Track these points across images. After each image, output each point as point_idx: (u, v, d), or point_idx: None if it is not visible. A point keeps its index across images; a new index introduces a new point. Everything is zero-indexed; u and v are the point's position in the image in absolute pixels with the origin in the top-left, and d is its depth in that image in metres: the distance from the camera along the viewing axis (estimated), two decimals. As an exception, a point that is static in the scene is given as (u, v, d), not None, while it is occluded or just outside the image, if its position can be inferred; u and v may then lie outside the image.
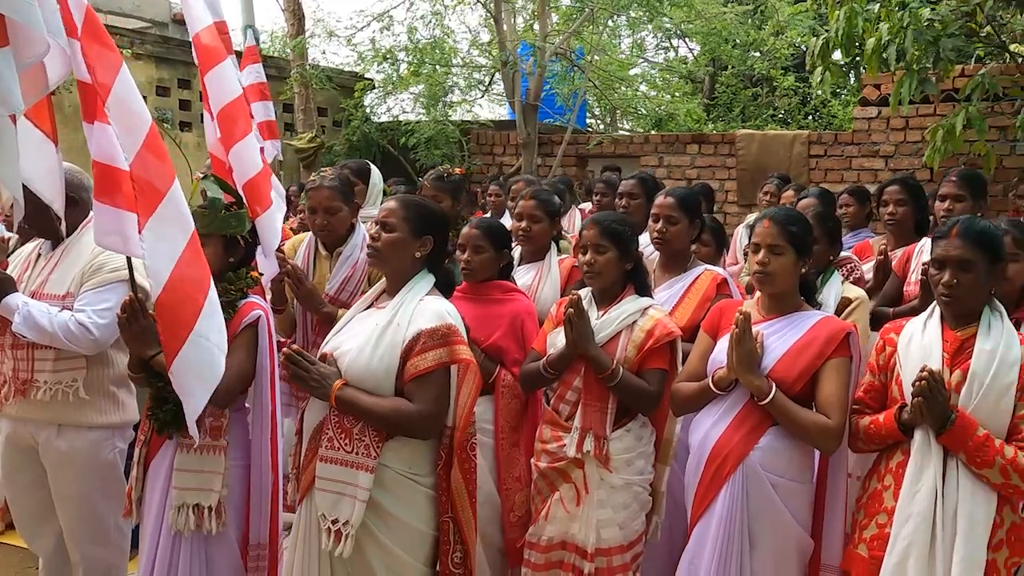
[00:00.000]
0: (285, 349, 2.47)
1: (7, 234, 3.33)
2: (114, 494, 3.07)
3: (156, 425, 2.75)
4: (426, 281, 2.59)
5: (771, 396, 2.61)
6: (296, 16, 9.09)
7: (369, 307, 2.67)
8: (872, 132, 7.43)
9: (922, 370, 2.38)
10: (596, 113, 14.22)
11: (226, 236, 2.82)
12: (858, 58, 6.00)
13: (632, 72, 12.64)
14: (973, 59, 6.85)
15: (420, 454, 2.50)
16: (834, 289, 3.44)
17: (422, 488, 2.50)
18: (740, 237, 5.77)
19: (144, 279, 2.54)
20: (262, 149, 3.45)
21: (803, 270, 2.79)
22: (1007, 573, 2.41)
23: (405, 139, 9.08)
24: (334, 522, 2.41)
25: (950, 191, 3.85)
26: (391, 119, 9.98)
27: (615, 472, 2.92)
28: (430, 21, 9.38)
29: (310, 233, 3.57)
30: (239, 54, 4.26)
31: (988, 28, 5.77)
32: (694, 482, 2.79)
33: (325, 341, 2.67)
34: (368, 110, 9.70)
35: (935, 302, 2.60)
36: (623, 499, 2.94)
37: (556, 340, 3.01)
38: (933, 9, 5.45)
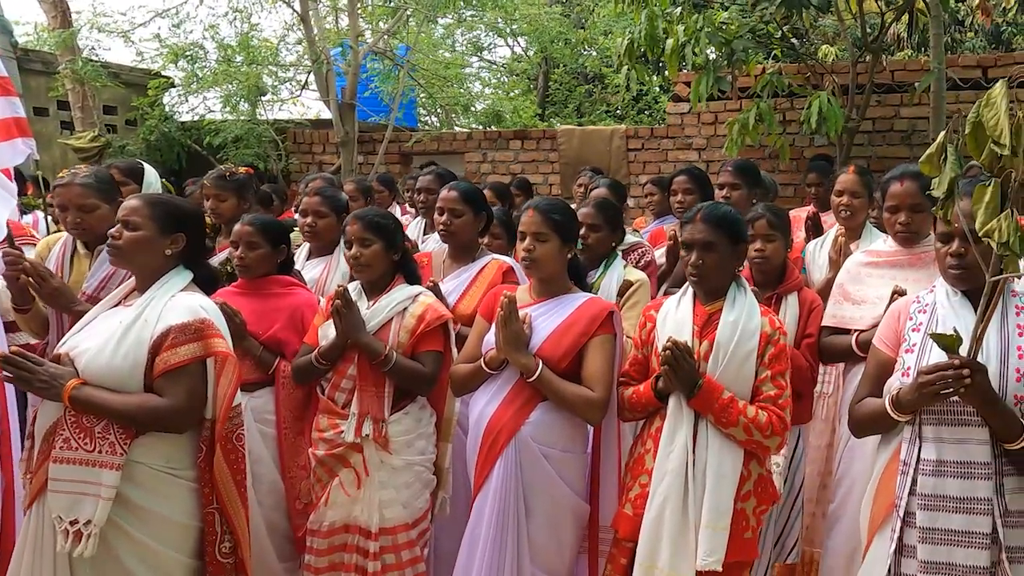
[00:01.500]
0: (2, 352, 2.35)
1: None
2: None
3: None
4: (181, 278, 2.55)
5: (537, 373, 2.74)
6: (59, 8, 8.57)
7: (116, 306, 2.60)
8: (685, 127, 7.81)
9: (668, 340, 2.53)
10: (429, 111, 14.25)
11: None
12: (661, 58, 6.29)
13: (467, 71, 12.78)
14: (771, 58, 7.32)
15: (178, 448, 2.45)
16: (616, 272, 3.60)
17: (183, 481, 2.45)
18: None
19: None
20: None
21: (569, 255, 2.92)
22: (756, 520, 2.63)
23: (211, 139, 8.77)
24: (72, 523, 2.30)
25: (726, 180, 4.10)
26: (196, 118, 9.60)
27: (395, 454, 2.99)
28: (234, 19, 9.11)
29: (65, 233, 3.38)
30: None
31: (782, 31, 6.19)
32: (472, 457, 2.90)
33: (62, 341, 2.57)
34: (167, 108, 9.30)
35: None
36: (405, 479, 3.01)
37: (328, 332, 3.06)
38: (727, 9, 5.80)
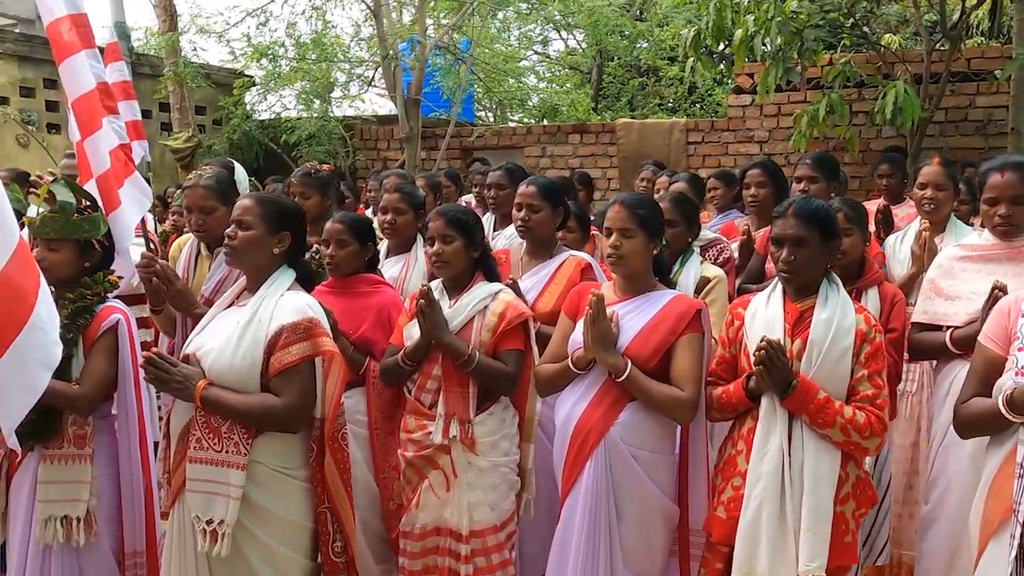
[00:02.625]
0: (144, 353, 2.44)
1: None
2: None
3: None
4: (286, 276, 2.60)
5: (626, 372, 2.71)
6: (168, 12, 8.79)
7: (230, 306, 2.66)
8: (747, 119, 7.71)
9: (761, 340, 2.49)
10: (485, 106, 14.26)
11: (80, 240, 2.74)
12: (728, 48, 6.21)
13: (521, 64, 12.74)
14: (839, 48, 7.18)
15: (292, 448, 2.51)
16: (693, 269, 3.57)
17: (296, 481, 2.50)
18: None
19: None
20: (129, 148, 3.37)
21: (655, 251, 2.89)
22: (855, 523, 2.57)
23: (287, 136, 8.90)
24: (208, 522, 2.40)
25: (804, 173, 4.03)
26: (272, 116, 9.77)
27: (481, 455, 2.98)
28: (310, 16, 9.22)
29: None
30: (102, 50, 4.13)
31: (852, 19, 6.06)
32: (561, 459, 2.87)
33: (187, 342, 2.65)
34: (248, 108, 9.46)
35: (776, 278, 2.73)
36: (492, 480, 3.00)
37: (412, 332, 3.05)
38: (799, 1, 5.68)
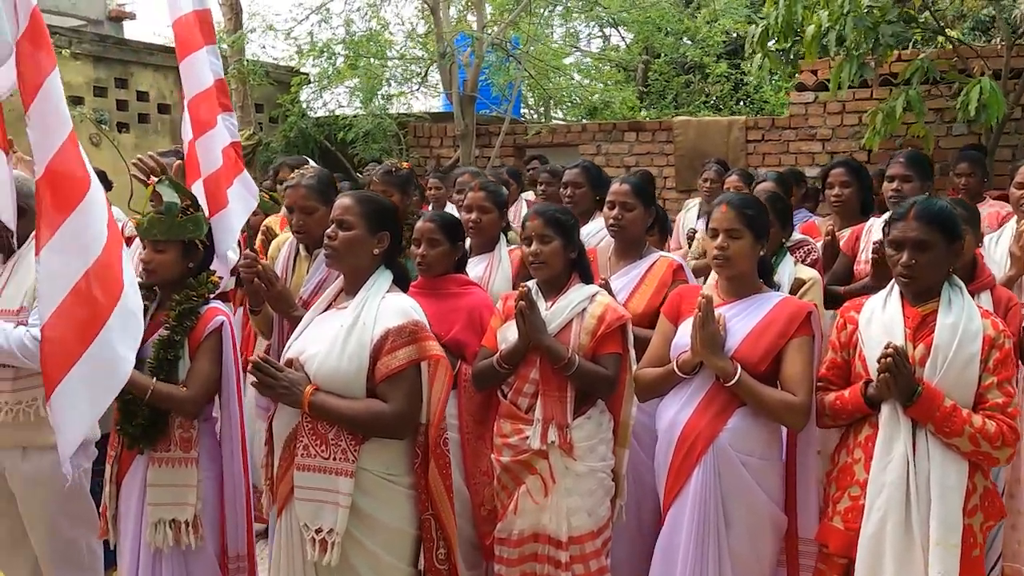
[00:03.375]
0: (252, 357, 2.41)
1: None
2: (82, 516, 2.99)
3: (126, 440, 2.68)
4: (385, 278, 2.56)
5: (737, 377, 2.65)
6: (234, 10, 8.83)
7: (327, 308, 2.62)
8: (809, 116, 7.57)
9: (887, 346, 2.42)
10: (530, 103, 14.20)
11: (184, 241, 2.73)
12: (796, 44, 6.09)
13: (565, 61, 12.66)
14: (911, 44, 7.02)
15: (397, 454, 2.47)
16: (787, 271, 3.49)
17: (401, 488, 2.47)
18: (682, 223, 5.82)
19: None
20: (240, 145, 3.37)
21: (761, 253, 2.84)
22: (983, 536, 2.49)
23: (343, 134, 8.91)
24: (318, 531, 2.36)
25: (898, 172, 3.92)
26: (327, 114, 9.78)
27: (579, 460, 2.92)
28: (366, 13, 9.21)
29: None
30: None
31: (926, 14, 5.91)
32: (665, 466, 2.82)
33: (287, 346, 2.61)
34: (304, 105, 9.48)
35: (893, 280, 2.64)
36: (589, 486, 2.94)
37: (507, 335, 3.00)
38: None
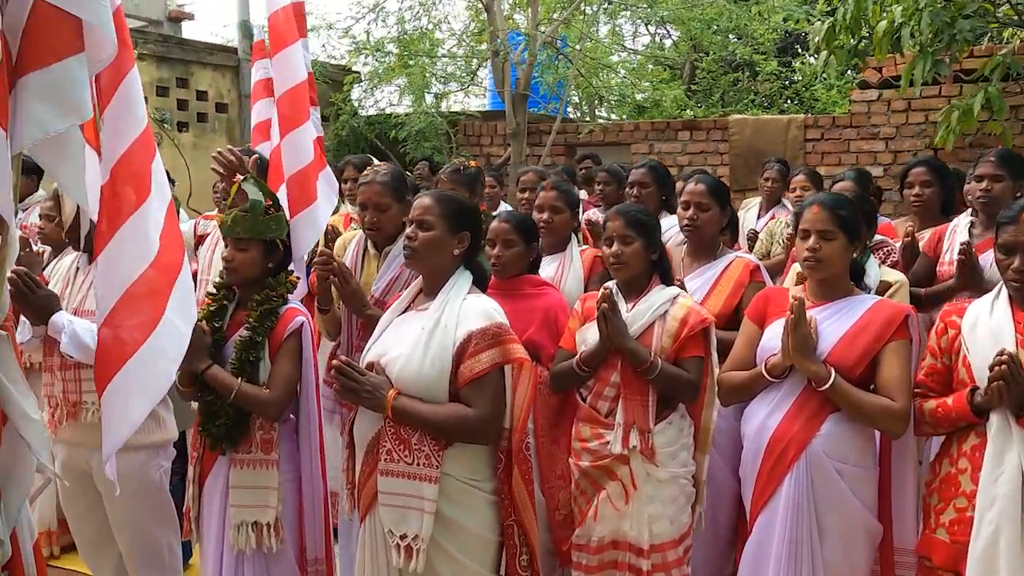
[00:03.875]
0: (334, 360, 2.38)
1: (41, 247, 3.17)
2: (164, 515, 2.99)
3: (208, 441, 2.66)
4: (465, 278, 2.51)
5: (831, 381, 2.58)
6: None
7: (406, 310, 2.58)
8: (872, 115, 7.39)
9: (1000, 353, 2.32)
10: (575, 101, 14.10)
11: (265, 240, 2.70)
12: (863, 41, 5.91)
13: (612, 59, 12.54)
14: (987, 39, 6.79)
15: (480, 459, 2.42)
16: (872, 272, 3.39)
17: (484, 494, 2.42)
18: (742, 223, 5.71)
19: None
20: (322, 141, 3.33)
21: (854, 255, 2.76)
22: None
23: (395, 132, 8.89)
24: (403, 537, 2.32)
25: (988, 171, 3.77)
26: (378, 112, 9.78)
27: (661, 466, 2.86)
28: (417, 12, 9.19)
29: (361, 230, 3.40)
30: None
31: (1004, 7, 5.71)
32: (752, 472, 2.76)
33: (366, 349, 2.57)
34: (356, 104, 9.49)
35: (1000, 283, 2.54)
36: (671, 493, 2.88)
37: (587, 336, 2.94)
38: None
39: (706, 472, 3.03)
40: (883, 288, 3.33)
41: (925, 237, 3.92)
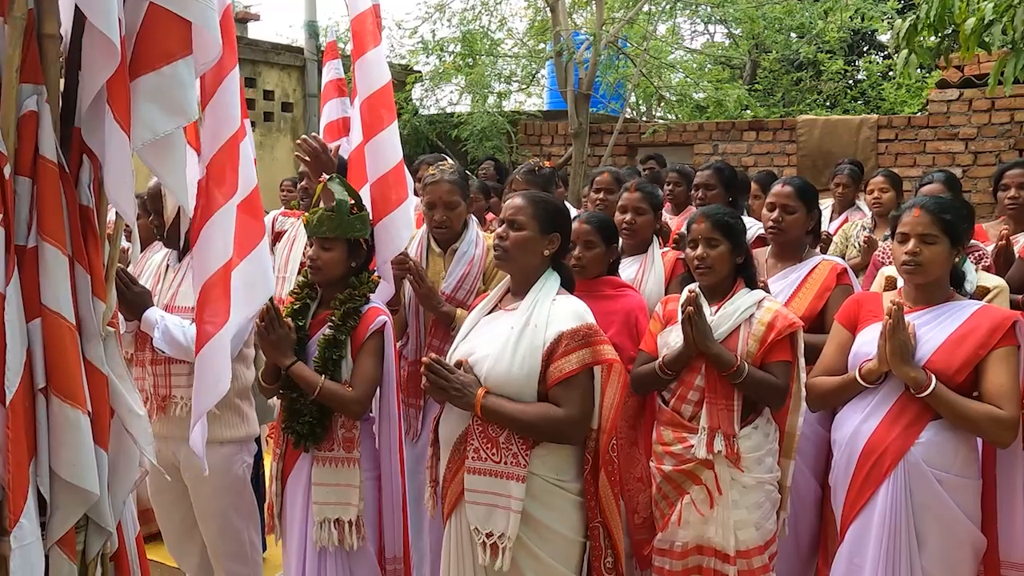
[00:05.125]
0: (425, 358, 2.38)
1: (127, 244, 3.23)
2: (247, 510, 3.03)
3: (292, 438, 2.66)
4: (554, 279, 2.50)
5: (932, 388, 2.50)
6: None
7: (493, 309, 2.57)
8: (951, 115, 7.18)
9: None
10: (632, 101, 13.99)
11: (349, 240, 2.71)
12: (946, 39, 5.72)
13: (671, 59, 12.41)
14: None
15: (566, 460, 2.40)
16: (971, 277, 3.25)
17: (570, 495, 2.40)
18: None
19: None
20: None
21: (956, 260, 2.68)
22: None
23: (456, 131, 8.91)
24: (488, 535, 2.31)
25: None
26: (438, 111, 9.81)
27: (746, 471, 2.80)
28: (479, 12, 9.19)
29: (422, 228, 3.41)
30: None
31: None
32: (845, 479, 2.69)
33: (453, 347, 2.58)
34: (417, 103, 9.54)
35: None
36: (756, 498, 2.82)
37: (669, 339, 2.89)
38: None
39: (791, 478, 2.96)
40: (981, 293, 3.20)
41: (1021, 242, 3.80)
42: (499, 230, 2.49)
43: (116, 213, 1.91)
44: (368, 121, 3.01)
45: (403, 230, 2.97)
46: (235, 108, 2.17)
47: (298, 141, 3.18)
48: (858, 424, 2.64)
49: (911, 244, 2.61)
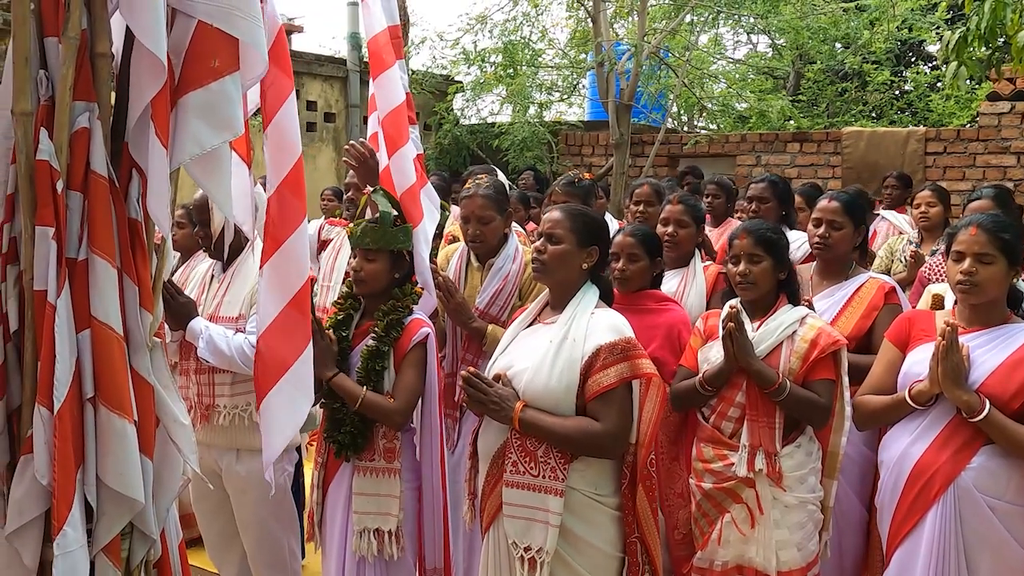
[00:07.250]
0: (462, 372, 2.38)
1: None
2: (287, 519, 3.06)
3: (334, 448, 2.67)
4: (592, 292, 2.49)
5: (985, 412, 2.43)
6: (402, 22, 9.01)
7: (532, 323, 2.56)
8: (1003, 128, 7.03)
9: None
10: (674, 112, 13.90)
11: (392, 251, 2.72)
12: (997, 52, 5.61)
13: (712, 69, 12.31)
14: None
15: (604, 474, 2.39)
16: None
17: (608, 510, 2.38)
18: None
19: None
20: (423, 158, 3.37)
21: (1014, 280, 2.61)
22: None
23: (498, 141, 8.92)
24: (527, 549, 2.31)
25: None
26: (479, 121, 9.84)
27: (788, 491, 2.75)
28: (521, 22, 9.21)
29: (463, 243, 3.41)
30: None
31: None
32: (891, 502, 2.63)
33: (492, 360, 2.58)
34: (459, 113, 9.58)
35: None
36: (798, 518, 2.77)
37: (709, 355, 2.86)
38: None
39: (833, 498, 2.90)
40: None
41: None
42: (537, 244, 2.50)
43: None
44: (389, 137, 3.06)
45: (419, 247, 2.99)
46: (297, 133, 2.20)
47: (346, 147, 3.21)
48: (907, 446, 2.58)
49: (967, 263, 2.55)
